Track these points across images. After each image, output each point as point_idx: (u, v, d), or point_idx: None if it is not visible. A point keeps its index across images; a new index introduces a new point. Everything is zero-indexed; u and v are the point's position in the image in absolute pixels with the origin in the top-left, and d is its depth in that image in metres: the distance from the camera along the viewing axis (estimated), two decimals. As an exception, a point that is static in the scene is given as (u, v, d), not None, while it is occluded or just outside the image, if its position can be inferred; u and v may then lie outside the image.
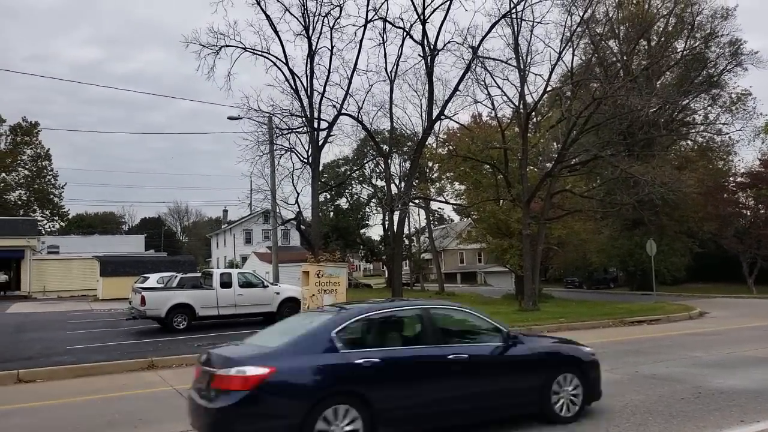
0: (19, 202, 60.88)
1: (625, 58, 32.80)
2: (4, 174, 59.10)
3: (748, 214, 39.46)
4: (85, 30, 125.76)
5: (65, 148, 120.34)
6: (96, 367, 11.07)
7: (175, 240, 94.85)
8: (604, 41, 33.57)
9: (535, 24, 22.31)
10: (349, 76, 20.39)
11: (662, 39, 37.77)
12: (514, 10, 21.73)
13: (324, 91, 20.32)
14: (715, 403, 6.90)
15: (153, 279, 25.36)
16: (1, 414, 7.80)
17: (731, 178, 40.57)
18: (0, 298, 35.35)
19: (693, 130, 41.96)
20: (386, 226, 47.68)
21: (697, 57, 37.18)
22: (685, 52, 36.68)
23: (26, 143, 61.29)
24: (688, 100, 36.93)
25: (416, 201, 35.22)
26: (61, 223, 67.96)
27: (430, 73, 21.07)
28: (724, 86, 39.00)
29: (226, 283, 17.23)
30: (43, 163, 62.53)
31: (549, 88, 25.22)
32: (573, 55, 25.12)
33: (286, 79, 20.17)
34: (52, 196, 63.54)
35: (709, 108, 40.90)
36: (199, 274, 21.24)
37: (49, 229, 64.08)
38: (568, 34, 22.98)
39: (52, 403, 8.45)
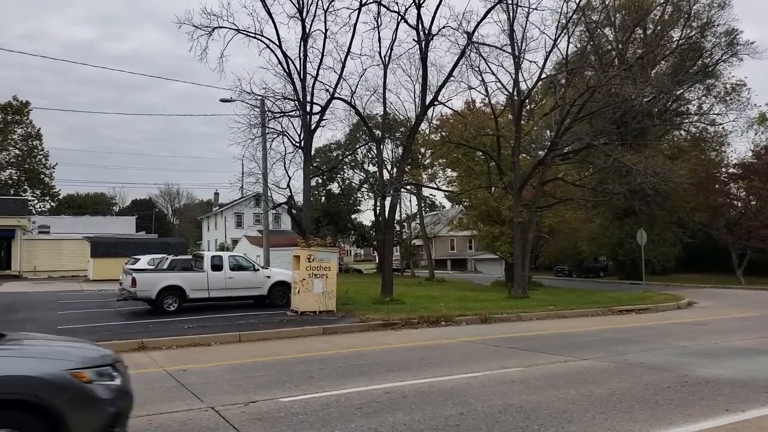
0: (10, 182, 60.25)
1: (620, 46, 32.66)
2: (-6, 153, 58.51)
3: (739, 205, 39.68)
4: (79, 8, 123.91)
5: (57, 128, 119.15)
6: (85, 348, 11.01)
7: (165, 222, 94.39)
8: (600, 29, 33.45)
9: (530, 10, 22.20)
10: (343, 59, 20.13)
11: (658, 27, 37.64)
12: (510, -5, 21.51)
13: (317, 74, 20.09)
14: (701, 392, 6.97)
15: (144, 260, 25.33)
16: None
17: (723, 169, 40.66)
18: (-10, 278, 35.12)
19: (686, 120, 42.05)
20: (378, 211, 47.69)
21: (692, 46, 37.11)
22: (680, 41, 36.57)
23: (17, 122, 60.45)
24: (682, 90, 36.96)
25: (408, 187, 35.24)
26: (52, 203, 67.53)
27: (424, 59, 20.86)
28: (719, 76, 39.03)
29: (217, 266, 17.18)
30: (34, 142, 61.81)
31: (543, 76, 25.15)
32: (568, 42, 25.08)
33: (279, 62, 19.93)
34: (42, 176, 62.94)
35: (703, 98, 40.98)
36: (190, 257, 21.18)
37: (39, 209, 63.64)
38: (564, 21, 22.89)
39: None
